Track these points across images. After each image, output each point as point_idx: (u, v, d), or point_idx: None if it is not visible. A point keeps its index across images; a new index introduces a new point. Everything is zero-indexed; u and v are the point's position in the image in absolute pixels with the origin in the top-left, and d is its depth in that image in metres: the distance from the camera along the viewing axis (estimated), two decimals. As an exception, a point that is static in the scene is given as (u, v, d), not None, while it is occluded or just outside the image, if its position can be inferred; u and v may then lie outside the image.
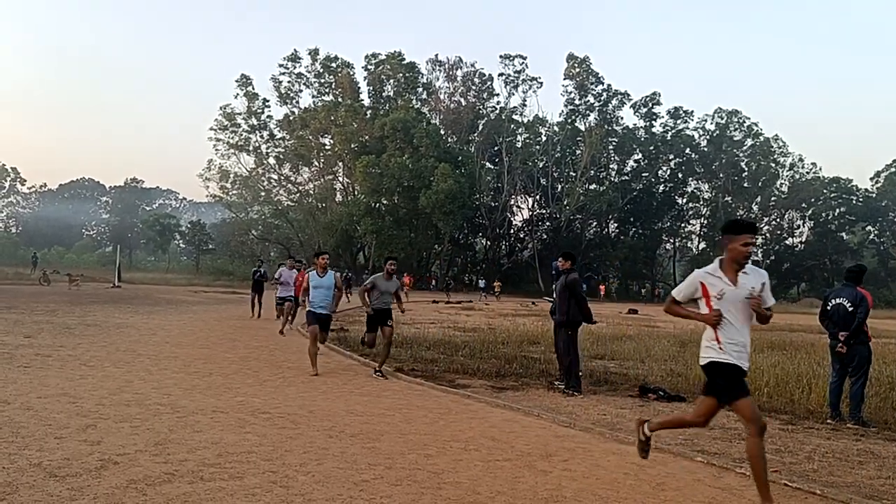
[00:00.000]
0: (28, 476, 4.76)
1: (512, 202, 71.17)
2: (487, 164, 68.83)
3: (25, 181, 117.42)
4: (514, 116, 70.21)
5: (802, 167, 73.54)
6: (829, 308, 8.54)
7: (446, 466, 5.61)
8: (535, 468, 5.70)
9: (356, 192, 67.00)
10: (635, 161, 74.15)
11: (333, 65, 70.17)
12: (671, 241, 78.44)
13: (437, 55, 73.57)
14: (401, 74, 69.06)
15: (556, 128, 69.97)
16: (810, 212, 75.21)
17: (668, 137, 71.86)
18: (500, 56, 70.03)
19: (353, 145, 64.56)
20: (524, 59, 68.68)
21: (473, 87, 71.22)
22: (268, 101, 69.93)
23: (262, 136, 70.72)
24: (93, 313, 20.29)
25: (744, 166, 71.71)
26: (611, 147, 70.77)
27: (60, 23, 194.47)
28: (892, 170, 74.59)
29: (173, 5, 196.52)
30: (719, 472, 5.86)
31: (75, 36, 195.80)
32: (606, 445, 6.71)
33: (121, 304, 25.61)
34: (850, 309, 8.25)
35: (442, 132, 68.05)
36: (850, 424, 8.15)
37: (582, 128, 69.65)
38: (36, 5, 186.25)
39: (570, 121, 70.30)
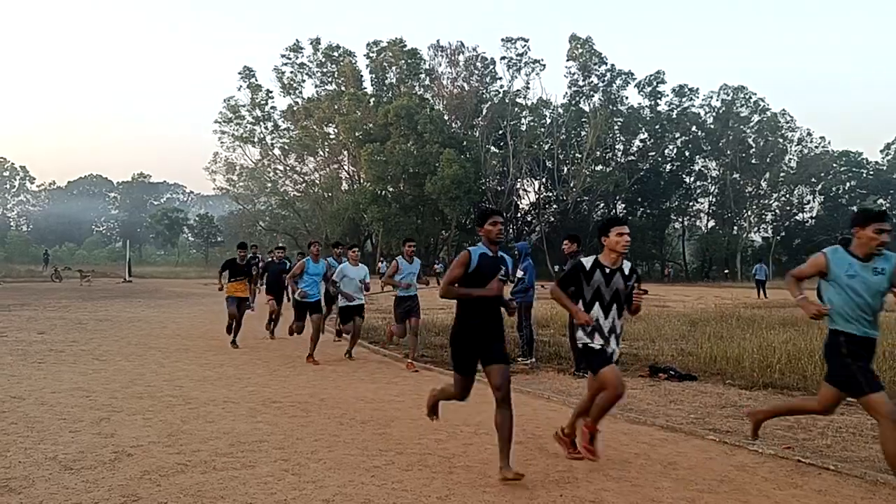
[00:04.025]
0: (44, 469, 4.81)
1: (518, 186, 70.73)
2: (492, 148, 68.42)
3: (35, 179, 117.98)
4: (518, 100, 69.60)
5: (811, 141, 72.66)
6: None
7: (457, 450, 5.63)
8: (546, 450, 5.72)
9: (362, 181, 66.91)
10: (641, 141, 73.53)
11: (335, 54, 69.86)
12: (680, 220, 78.02)
13: (438, 41, 73.30)
14: (403, 61, 68.67)
15: (560, 110, 69.41)
16: (820, 186, 74.48)
17: (674, 116, 71.16)
18: (502, 39, 69.08)
19: (357, 133, 64.38)
20: (526, 41, 67.96)
21: (476, 72, 70.68)
22: (271, 92, 69.77)
23: (266, 128, 70.63)
24: (104, 308, 20.42)
25: (751, 143, 70.91)
26: (616, 127, 70.15)
27: (63, 19, 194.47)
28: (903, 142, 73.85)
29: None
30: (731, 450, 5.86)
31: (79, 31, 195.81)
32: (617, 426, 6.72)
33: (132, 298, 25.76)
34: None
35: (446, 118, 67.64)
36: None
37: (586, 109, 69.04)
38: (39, 3, 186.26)
39: (574, 102, 69.70)
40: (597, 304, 5.22)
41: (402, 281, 10.31)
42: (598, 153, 68.33)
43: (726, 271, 68.35)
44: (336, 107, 66.00)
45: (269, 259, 16.18)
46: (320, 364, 10.57)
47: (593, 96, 69.64)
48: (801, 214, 76.44)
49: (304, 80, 70.63)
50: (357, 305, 11.21)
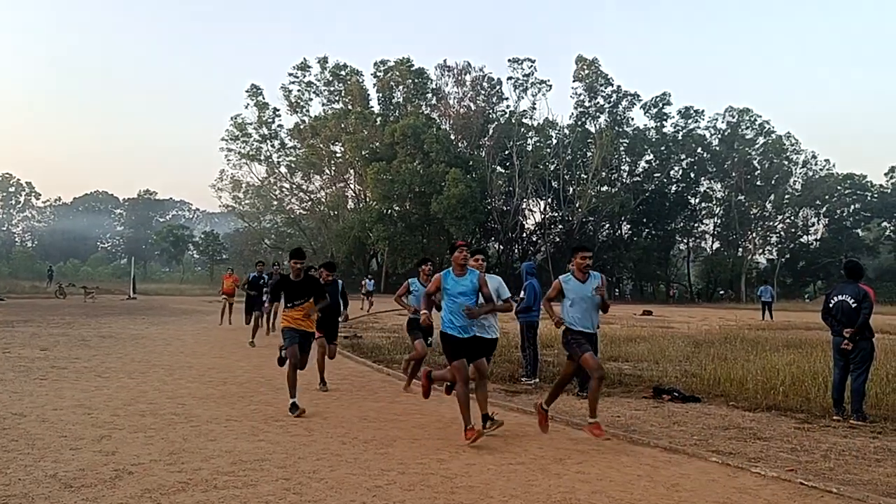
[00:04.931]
0: (44, 487, 4.81)
1: (524, 206, 70.85)
2: (498, 168, 68.63)
3: (40, 195, 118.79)
4: (524, 120, 69.88)
5: (816, 164, 72.78)
6: (831, 305, 8.55)
7: (459, 471, 5.61)
8: (548, 471, 5.68)
9: (368, 199, 67.17)
10: (647, 162, 73.73)
11: (342, 73, 70.36)
12: (685, 241, 78.01)
13: (445, 60, 73.53)
14: (410, 81, 69.12)
15: (566, 130, 69.65)
16: (825, 209, 74.52)
17: (680, 137, 71.39)
18: (509, 60, 69.55)
19: (363, 152, 64.70)
20: (533, 62, 68.34)
21: (482, 92, 71.05)
22: (278, 110, 70.35)
23: (273, 146, 71.07)
24: (108, 325, 20.43)
25: (756, 164, 71.06)
26: (622, 148, 70.35)
27: (71, 37, 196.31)
28: (907, 165, 73.82)
29: (183, 17, 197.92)
30: (734, 472, 5.82)
31: (86, 49, 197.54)
32: (620, 447, 6.69)
33: (136, 315, 25.78)
34: (854, 305, 8.26)
35: (452, 137, 67.96)
36: (853, 420, 8.12)
37: (592, 130, 69.35)
38: (48, 19, 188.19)
39: (580, 123, 70.01)
40: None
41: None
42: (604, 174, 68.45)
43: (721, 292, 68.40)
44: (343, 125, 66.42)
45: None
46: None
47: (599, 117, 70.00)
48: (805, 237, 76.38)
49: (311, 99, 71.30)
50: (488, 340, 7.30)
